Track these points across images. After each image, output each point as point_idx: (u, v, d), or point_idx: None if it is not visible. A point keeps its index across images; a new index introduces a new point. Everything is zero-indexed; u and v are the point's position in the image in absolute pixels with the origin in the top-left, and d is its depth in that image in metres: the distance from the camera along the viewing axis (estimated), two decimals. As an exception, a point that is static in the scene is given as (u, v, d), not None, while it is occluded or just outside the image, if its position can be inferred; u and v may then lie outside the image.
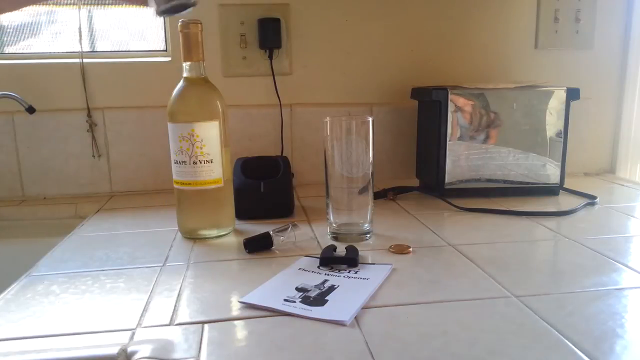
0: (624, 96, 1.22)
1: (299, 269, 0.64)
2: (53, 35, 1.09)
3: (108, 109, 1.08)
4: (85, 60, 1.06)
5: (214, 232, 0.78)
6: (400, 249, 0.70)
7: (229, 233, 0.79)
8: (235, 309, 0.54)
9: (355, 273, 0.62)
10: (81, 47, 1.06)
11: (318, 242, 0.75)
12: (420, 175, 1.11)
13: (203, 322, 0.51)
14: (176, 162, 0.76)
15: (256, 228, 0.79)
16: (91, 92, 1.07)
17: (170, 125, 0.75)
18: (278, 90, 1.11)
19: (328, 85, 1.14)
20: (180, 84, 0.76)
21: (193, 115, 0.74)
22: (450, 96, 0.95)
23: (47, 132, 1.07)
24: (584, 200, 0.95)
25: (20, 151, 1.07)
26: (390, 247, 0.71)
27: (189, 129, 0.74)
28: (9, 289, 0.60)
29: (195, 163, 0.75)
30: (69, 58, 1.06)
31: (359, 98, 1.16)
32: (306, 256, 0.69)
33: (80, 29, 1.06)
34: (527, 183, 1.00)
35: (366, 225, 0.76)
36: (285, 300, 0.55)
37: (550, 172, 1.00)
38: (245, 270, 0.65)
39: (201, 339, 0.48)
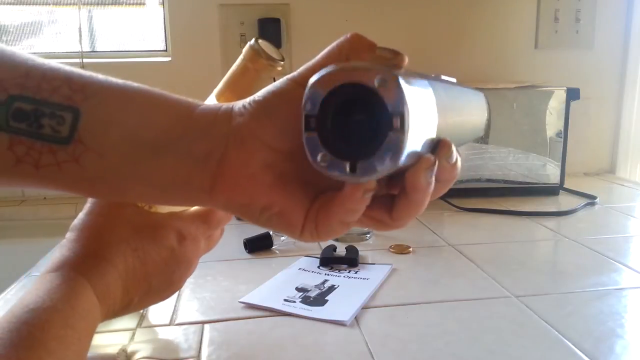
0: (624, 96, 1.22)
1: (299, 269, 0.64)
2: (53, 35, 1.09)
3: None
4: (85, 60, 1.06)
5: None
6: (400, 249, 0.70)
7: None
8: (235, 309, 0.54)
9: (355, 273, 0.62)
10: (81, 47, 1.06)
11: (318, 242, 0.75)
12: (420, 175, 1.11)
13: (203, 322, 0.51)
14: None
15: (256, 228, 0.78)
16: (91, 92, 1.07)
17: None
18: (278, 90, 1.11)
19: (328, 85, 1.14)
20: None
21: None
22: (450, 96, 0.95)
23: (47, 132, 1.07)
24: (584, 200, 0.95)
25: (20, 151, 1.07)
26: (390, 247, 0.71)
27: None
28: (9, 289, 0.60)
29: None
30: (69, 58, 1.06)
31: (359, 98, 1.15)
32: (306, 256, 0.69)
33: (80, 29, 1.06)
34: (527, 183, 1.00)
35: (366, 225, 0.75)
36: (285, 300, 0.55)
37: (550, 172, 1.00)
38: (245, 270, 0.65)
39: (201, 339, 0.48)
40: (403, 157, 0.26)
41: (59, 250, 0.36)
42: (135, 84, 0.30)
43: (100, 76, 0.29)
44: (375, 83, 0.25)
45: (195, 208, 0.42)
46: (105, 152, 0.28)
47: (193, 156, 0.28)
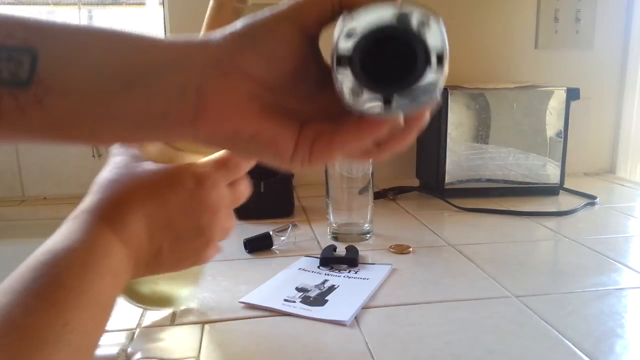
0: (624, 96, 1.22)
1: (299, 269, 0.64)
2: (53, 35, 1.09)
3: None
4: (85, 60, 1.06)
5: None
6: (400, 249, 0.70)
7: None
8: (235, 309, 0.54)
9: (355, 273, 0.62)
10: (81, 47, 1.06)
11: (318, 242, 0.75)
12: (420, 175, 1.11)
13: (203, 322, 0.51)
14: None
15: (256, 228, 0.78)
16: (91, 92, 1.07)
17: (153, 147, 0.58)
18: (278, 90, 1.11)
19: (328, 85, 1.14)
20: None
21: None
22: (450, 96, 0.95)
23: (47, 132, 1.07)
24: (584, 200, 0.95)
25: (20, 151, 1.07)
26: (390, 247, 0.71)
27: None
28: (9, 289, 0.60)
29: None
30: (69, 58, 1.06)
31: (359, 98, 1.15)
32: (306, 256, 0.69)
33: (80, 29, 1.06)
34: (527, 183, 1.00)
35: (366, 225, 0.76)
36: (285, 300, 0.55)
37: (550, 172, 1.00)
38: (245, 270, 0.65)
39: (201, 339, 0.48)
40: (438, 93, 0.26)
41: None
42: (96, 26, 0.30)
43: (58, 20, 0.29)
44: (415, 23, 0.25)
45: (211, 155, 0.41)
46: (68, 90, 0.27)
47: (167, 88, 0.28)
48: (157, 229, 0.35)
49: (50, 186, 1.08)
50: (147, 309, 0.53)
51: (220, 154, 0.40)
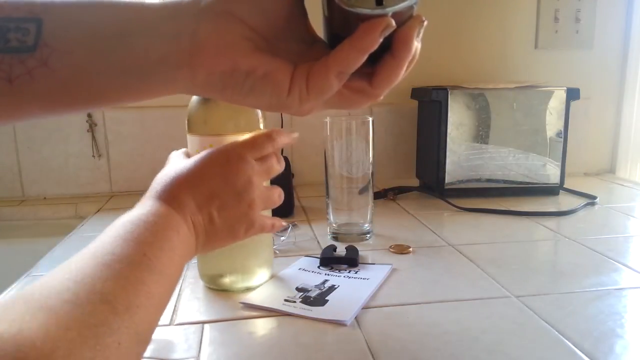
0: (624, 96, 1.22)
1: (299, 269, 0.64)
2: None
3: (108, 109, 1.08)
4: (85, 60, 1.06)
5: None
6: (401, 249, 0.70)
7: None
8: (235, 309, 0.54)
9: (356, 273, 0.62)
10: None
11: (318, 242, 0.75)
12: (420, 175, 1.11)
13: (203, 322, 0.51)
14: None
15: (256, 228, 0.79)
16: (91, 92, 1.07)
17: (194, 138, 0.55)
18: (278, 90, 1.11)
19: (328, 85, 1.14)
20: None
21: (224, 126, 0.54)
22: (450, 96, 0.95)
23: (47, 132, 1.07)
24: (584, 200, 0.95)
25: (20, 151, 1.07)
26: (390, 247, 0.71)
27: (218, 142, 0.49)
28: (9, 289, 0.60)
29: None
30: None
31: (359, 98, 1.15)
32: (306, 256, 0.69)
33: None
34: (527, 183, 1.00)
35: (366, 225, 0.76)
36: (286, 300, 0.55)
37: (550, 172, 1.00)
38: (245, 270, 0.65)
39: (201, 339, 0.48)
40: None
41: None
42: None
43: None
44: None
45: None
46: (71, 49, 0.30)
47: (163, 35, 0.30)
48: (203, 200, 0.41)
49: (50, 186, 1.08)
50: (231, 291, 0.58)
51: (247, 136, 0.46)
